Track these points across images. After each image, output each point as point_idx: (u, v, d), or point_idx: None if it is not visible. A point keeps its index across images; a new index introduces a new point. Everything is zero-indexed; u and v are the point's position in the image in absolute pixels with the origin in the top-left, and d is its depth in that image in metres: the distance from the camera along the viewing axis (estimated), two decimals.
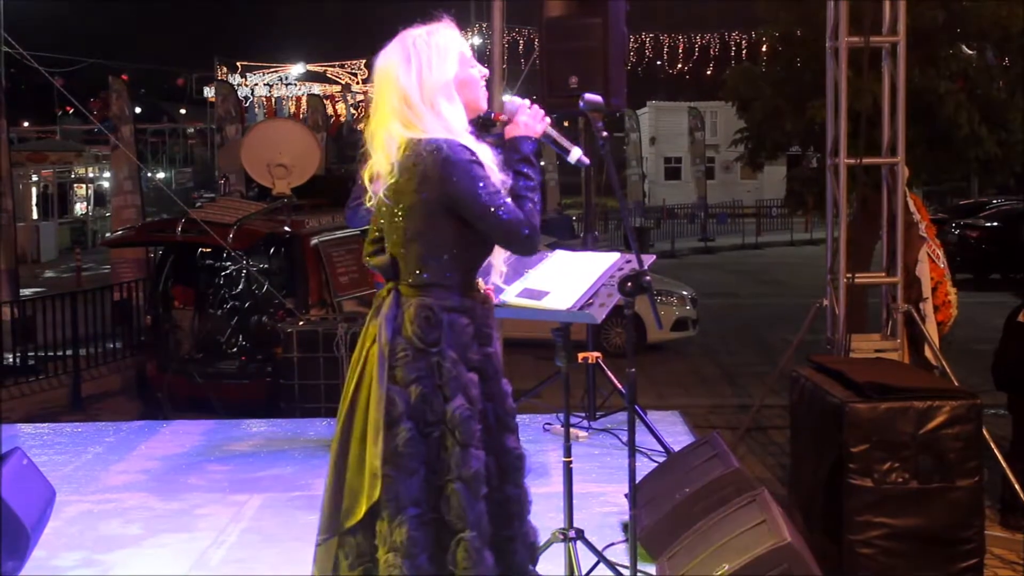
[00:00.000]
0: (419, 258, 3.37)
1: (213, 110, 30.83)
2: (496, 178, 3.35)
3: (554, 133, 3.60)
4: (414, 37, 3.41)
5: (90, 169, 35.93)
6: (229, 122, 19.70)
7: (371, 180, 3.44)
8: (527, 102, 3.57)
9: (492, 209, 3.30)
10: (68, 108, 42.75)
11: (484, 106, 3.53)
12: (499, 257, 3.56)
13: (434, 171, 3.29)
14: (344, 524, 3.33)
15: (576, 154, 3.64)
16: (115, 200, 16.66)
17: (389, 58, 3.41)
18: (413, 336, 3.33)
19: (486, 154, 3.38)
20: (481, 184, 3.29)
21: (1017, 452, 7.77)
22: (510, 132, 3.52)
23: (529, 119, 3.53)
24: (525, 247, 3.41)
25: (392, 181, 3.36)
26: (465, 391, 3.33)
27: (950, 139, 11.40)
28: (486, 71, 3.54)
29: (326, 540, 3.40)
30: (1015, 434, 7.97)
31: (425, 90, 3.36)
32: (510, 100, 3.59)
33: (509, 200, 3.35)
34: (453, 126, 3.35)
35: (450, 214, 3.32)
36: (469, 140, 3.37)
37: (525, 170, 3.43)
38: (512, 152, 3.46)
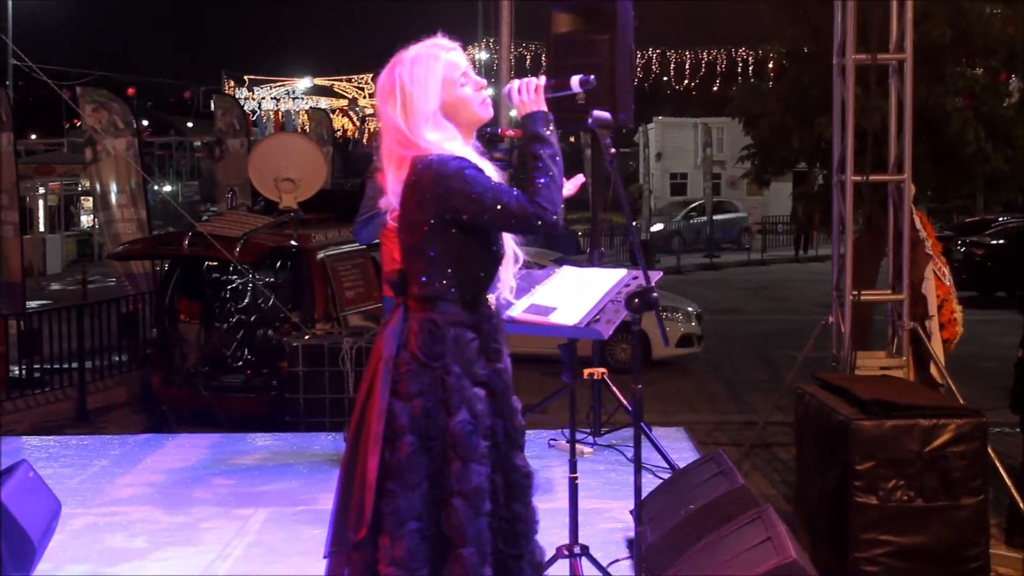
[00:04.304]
0: (423, 272, 3.37)
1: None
2: (495, 179, 3.34)
3: (551, 84, 3.52)
4: (399, 70, 3.40)
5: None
6: (231, 136, 19.58)
7: (386, 193, 3.47)
8: (515, 83, 3.50)
9: (484, 200, 3.27)
10: (76, 121, 42.80)
11: (487, 115, 3.50)
12: (509, 271, 3.54)
13: (429, 188, 3.30)
14: (351, 538, 3.32)
15: (576, 81, 3.59)
16: (102, 215, 16.25)
17: (381, 86, 3.44)
18: (416, 350, 3.33)
19: (485, 165, 3.38)
20: (474, 181, 3.28)
21: None
22: (519, 118, 3.50)
23: (523, 96, 3.48)
24: (536, 223, 3.29)
25: (396, 197, 3.40)
26: (469, 406, 3.31)
27: (956, 156, 11.39)
28: (483, 81, 3.51)
29: (334, 554, 3.39)
30: None
31: (410, 123, 3.36)
32: (504, 91, 3.56)
33: (508, 186, 3.32)
34: (444, 150, 3.35)
35: (451, 227, 3.32)
36: (468, 153, 3.37)
37: (536, 150, 3.38)
38: (524, 138, 3.44)
